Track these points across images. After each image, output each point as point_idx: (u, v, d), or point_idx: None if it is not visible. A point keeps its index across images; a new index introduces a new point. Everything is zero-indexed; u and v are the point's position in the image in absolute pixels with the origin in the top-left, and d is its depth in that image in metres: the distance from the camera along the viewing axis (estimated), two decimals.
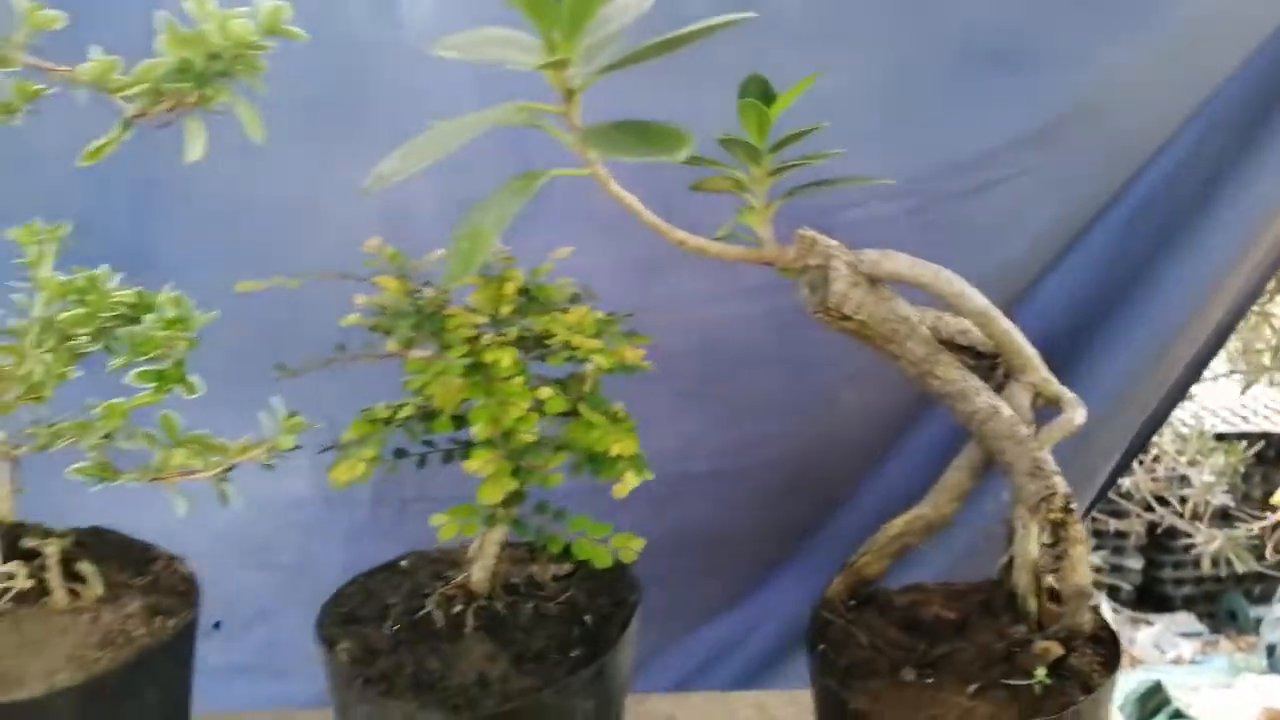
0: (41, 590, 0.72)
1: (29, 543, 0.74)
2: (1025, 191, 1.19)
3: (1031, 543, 0.80)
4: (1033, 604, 0.79)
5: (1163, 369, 1.37)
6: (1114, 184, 1.24)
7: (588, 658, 0.75)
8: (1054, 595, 0.79)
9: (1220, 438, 3.18)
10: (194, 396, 0.67)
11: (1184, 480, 3.07)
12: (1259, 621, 3.47)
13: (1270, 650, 3.20)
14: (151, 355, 0.66)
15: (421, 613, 0.78)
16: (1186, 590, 4.02)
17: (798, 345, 1.28)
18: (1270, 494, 3.20)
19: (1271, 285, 2.20)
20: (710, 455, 1.30)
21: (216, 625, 0.77)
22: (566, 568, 0.84)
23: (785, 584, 1.43)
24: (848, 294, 0.79)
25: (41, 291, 0.71)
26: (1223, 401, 3.74)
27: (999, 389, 0.83)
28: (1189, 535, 3.10)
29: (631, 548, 0.75)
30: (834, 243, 0.81)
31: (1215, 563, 3.03)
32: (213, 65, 0.65)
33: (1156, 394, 1.42)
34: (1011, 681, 0.74)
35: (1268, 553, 3.21)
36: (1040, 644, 0.75)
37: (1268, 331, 2.77)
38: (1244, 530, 3.06)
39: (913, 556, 0.87)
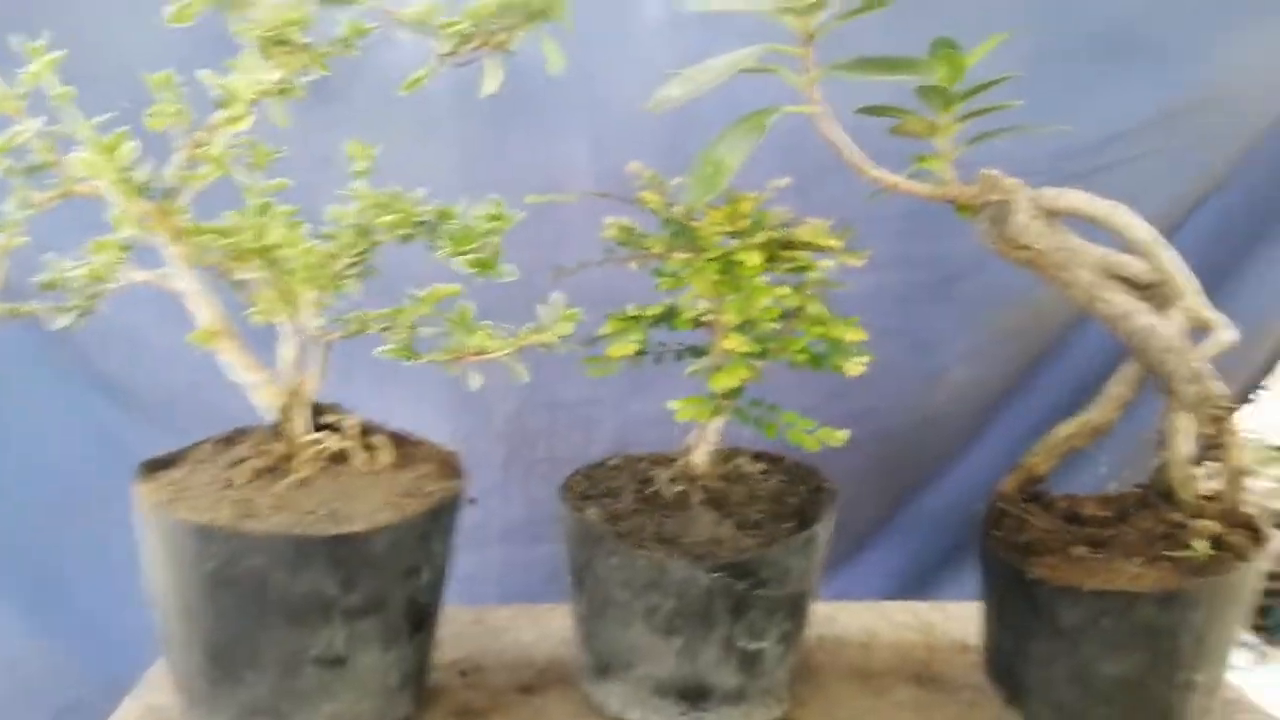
0: (344, 456, 0.86)
1: (328, 419, 0.88)
2: (1148, 172, 1.28)
3: (1183, 443, 0.91)
4: (1188, 494, 0.90)
5: (1251, 355, 1.43)
6: (1230, 164, 1.33)
7: (800, 526, 0.87)
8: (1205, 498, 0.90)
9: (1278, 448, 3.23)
10: (511, 279, 0.80)
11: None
12: None
13: None
14: (472, 247, 0.79)
15: (651, 489, 0.90)
16: None
17: (917, 320, 1.39)
18: None
19: None
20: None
21: (472, 500, 0.89)
22: (763, 466, 0.97)
23: (873, 561, 1.52)
24: (1028, 225, 0.90)
25: (358, 201, 0.85)
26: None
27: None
28: None
29: (838, 436, 0.87)
30: (1013, 180, 0.92)
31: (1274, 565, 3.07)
32: (531, 6, 0.78)
33: (1243, 376, 1.48)
34: (1174, 554, 0.85)
35: None
36: (1200, 522, 0.86)
37: None
38: None
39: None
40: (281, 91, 0.82)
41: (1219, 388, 0.86)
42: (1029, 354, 1.46)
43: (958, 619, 1.10)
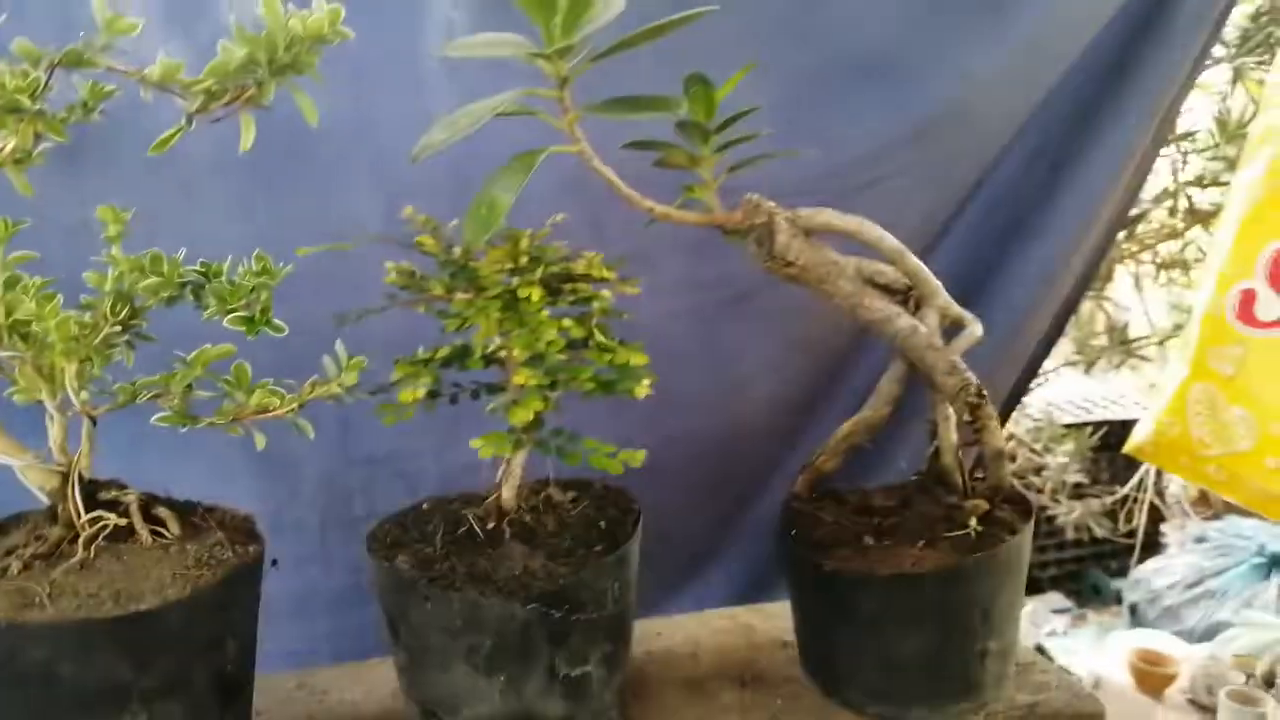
0: (128, 532, 0.81)
1: (105, 495, 0.83)
2: (905, 187, 1.38)
3: (952, 430, 0.99)
4: (958, 477, 0.98)
5: (1016, 348, 1.58)
6: (979, 173, 1.45)
7: (611, 548, 0.89)
8: (972, 472, 0.99)
9: (1068, 427, 3.53)
10: (281, 335, 0.78)
11: (1039, 470, 3.39)
12: (1119, 592, 3.83)
13: (1132, 609, 3.55)
14: (239, 303, 0.77)
15: (462, 529, 0.90)
16: (1052, 572, 4.37)
17: (715, 339, 1.45)
18: (1116, 476, 3.56)
19: (1103, 272, 2.53)
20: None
21: (274, 563, 0.86)
22: (571, 494, 0.98)
23: (711, 575, 1.56)
24: (789, 244, 0.96)
25: (115, 267, 0.82)
26: (1067, 395, 4.13)
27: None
28: (1050, 520, 3.43)
29: (636, 457, 0.89)
30: (773, 204, 0.99)
31: (1077, 530, 3.36)
32: (276, 61, 0.77)
33: (1015, 368, 1.63)
34: (951, 534, 0.92)
35: (1120, 523, 3.59)
36: (971, 503, 0.94)
37: (1102, 318, 3.13)
38: (1099, 502, 3.40)
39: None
40: (17, 161, 0.78)
41: (972, 378, 0.94)
42: (826, 362, 1.52)
43: (775, 617, 1.15)
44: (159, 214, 1.04)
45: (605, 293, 0.88)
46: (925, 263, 1.48)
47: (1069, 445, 3.36)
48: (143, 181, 1.06)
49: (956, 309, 1.03)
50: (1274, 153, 1.45)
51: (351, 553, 1.28)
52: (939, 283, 1.03)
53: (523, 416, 0.86)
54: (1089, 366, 3.15)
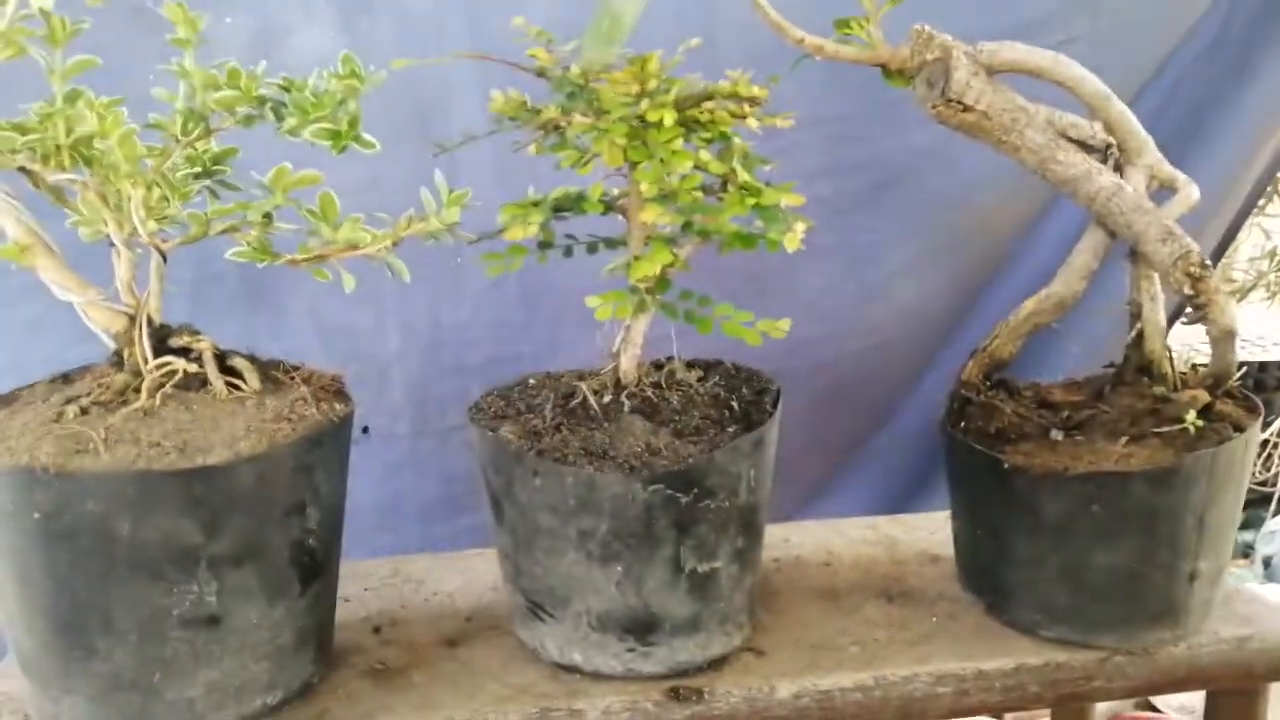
0: (201, 382, 0.71)
1: (177, 341, 0.73)
2: (1090, 54, 1.21)
3: (1160, 312, 0.82)
4: (1168, 366, 0.81)
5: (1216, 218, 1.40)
6: (1161, 49, 1.29)
7: (746, 430, 0.75)
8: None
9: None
10: (372, 152, 0.66)
11: None
12: (1248, 545, 3.57)
13: (1266, 562, 3.29)
14: (325, 114, 0.65)
15: (575, 401, 0.78)
16: None
17: (850, 234, 1.29)
18: None
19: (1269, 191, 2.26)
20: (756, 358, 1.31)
21: (365, 430, 0.76)
22: (698, 372, 0.85)
23: (846, 490, 1.43)
24: (969, 83, 0.80)
25: (186, 79, 0.70)
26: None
27: None
28: None
29: (780, 327, 0.76)
30: (948, 37, 0.82)
31: None
32: None
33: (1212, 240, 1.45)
34: (1162, 430, 0.76)
35: (1257, 470, 3.31)
36: (1189, 393, 0.77)
37: (1256, 243, 2.84)
38: None
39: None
40: None
41: (1194, 245, 0.77)
42: (973, 269, 1.38)
43: (921, 530, 1.02)
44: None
45: (751, 121, 0.73)
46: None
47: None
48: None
49: (1168, 168, 0.85)
50: None
51: (444, 462, 1.22)
52: (1147, 137, 0.85)
53: (648, 269, 0.72)
54: (1244, 293, 2.87)
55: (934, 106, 0.82)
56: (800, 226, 0.70)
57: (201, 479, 0.63)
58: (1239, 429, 0.75)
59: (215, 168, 0.75)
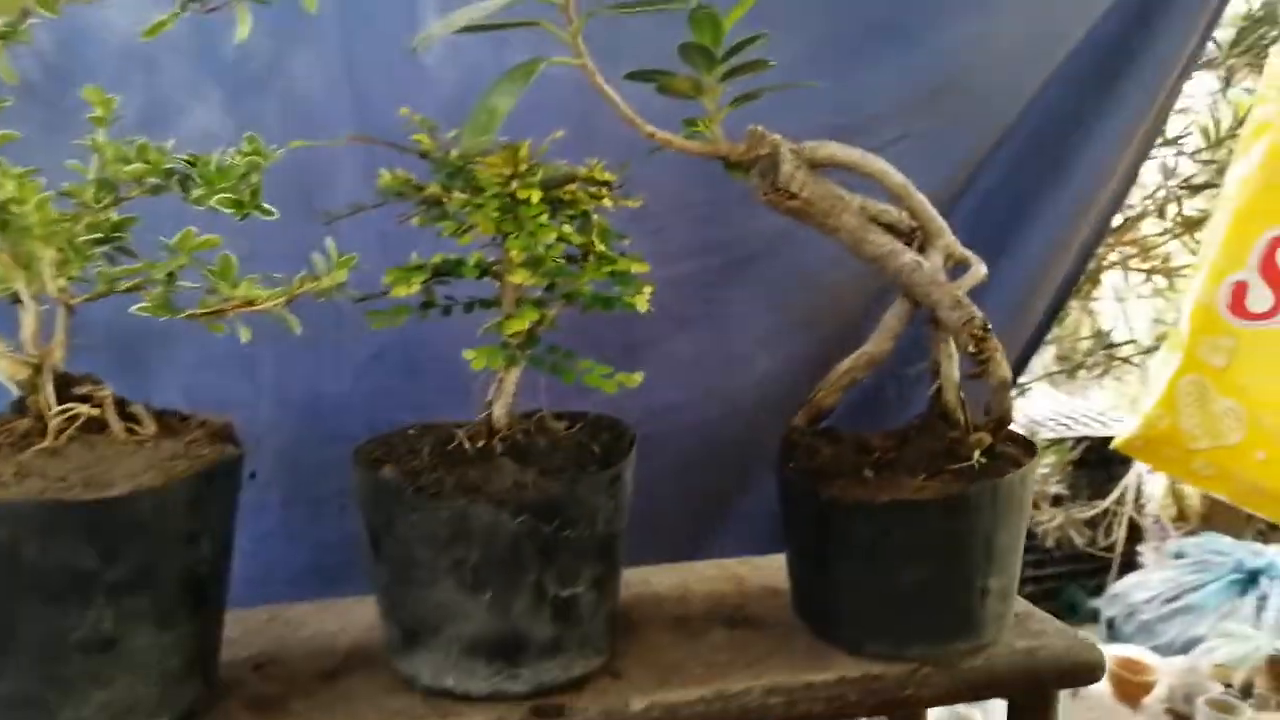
0: (101, 426, 0.78)
1: (79, 390, 0.79)
2: (916, 151, 1.32)
3: (955, 367, 0.97)
4: (960, 414, 0.95)
5: (1021, 320, 1.57)
6: (987, 145, 1.45)
7: (605, 467, 0.86)
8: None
9: (1049, 442, 3.53)
10: (271, 219, 0.75)
11: None
12: (1096, 611, 3.82)
13: (1109, 624, 3.54)
14: (230, 186, 0.74)
15: (452, 444, 0.87)
16: (1030, 589, 4.35)
17: (714, 307, 1.42)
18: (1096, 492, 3.56)
19: (1090, 278, 2.53)
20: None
21: (252, 475, 0.83)
22: (565, 421, 0.95)
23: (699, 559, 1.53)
24: (794, 175, 0.94)
25: (100, 152, 0.78)
26: (1048, 411, 4.14)
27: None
28: (1030, 536, 3.43)
29: (634, 379, 0.87)
30: (777, 136, 0.96)
31: (1057, 542, 3.35)
32: None
33: (1019, 340, 1.62)
34: (954, 466, 0.90)
35: (1099, 537, 3.59)
36: (975, 435, 0.91)
37: (1088, 324, 3.14)
38: (1079, 513, 3.39)
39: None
40: (3, 36, 0.75)
41: (977, 311, 0.92)
42: (826, 340, 1.48)
43: (765, 569, 1.13)
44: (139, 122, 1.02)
45: (606, 201, 0.86)
46: None
47: (1050, 458, 3.36)
48: (125, 84, 1.03)
49: (961, 249, 1.01)
50: (1267, 146, 1.46)
51: (317, 531, 1.23)
52: (944, 222, 1.01)
53: (518, 326, 0.83)
54: (1073, 371, 3.15)
55: (765, 194, 0.96)
56: (648, 290, 0.82)
57: (103, 510, 0.69)
58: (1017, 465, 0.89)
59: (114, 235, 0.83)
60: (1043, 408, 4.04)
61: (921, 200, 1.00)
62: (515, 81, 0.81)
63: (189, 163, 0.79)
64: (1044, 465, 3.35)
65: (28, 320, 0.79)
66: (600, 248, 0.84)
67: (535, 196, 0.80)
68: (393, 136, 0.90)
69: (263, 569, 1.22)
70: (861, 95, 1.34)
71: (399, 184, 0.86)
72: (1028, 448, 0.93)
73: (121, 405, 0.80)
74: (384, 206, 0.84)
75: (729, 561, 1.16)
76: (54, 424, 0.75)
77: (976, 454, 0.90)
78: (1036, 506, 3.41)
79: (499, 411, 0.88)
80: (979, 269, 1.00)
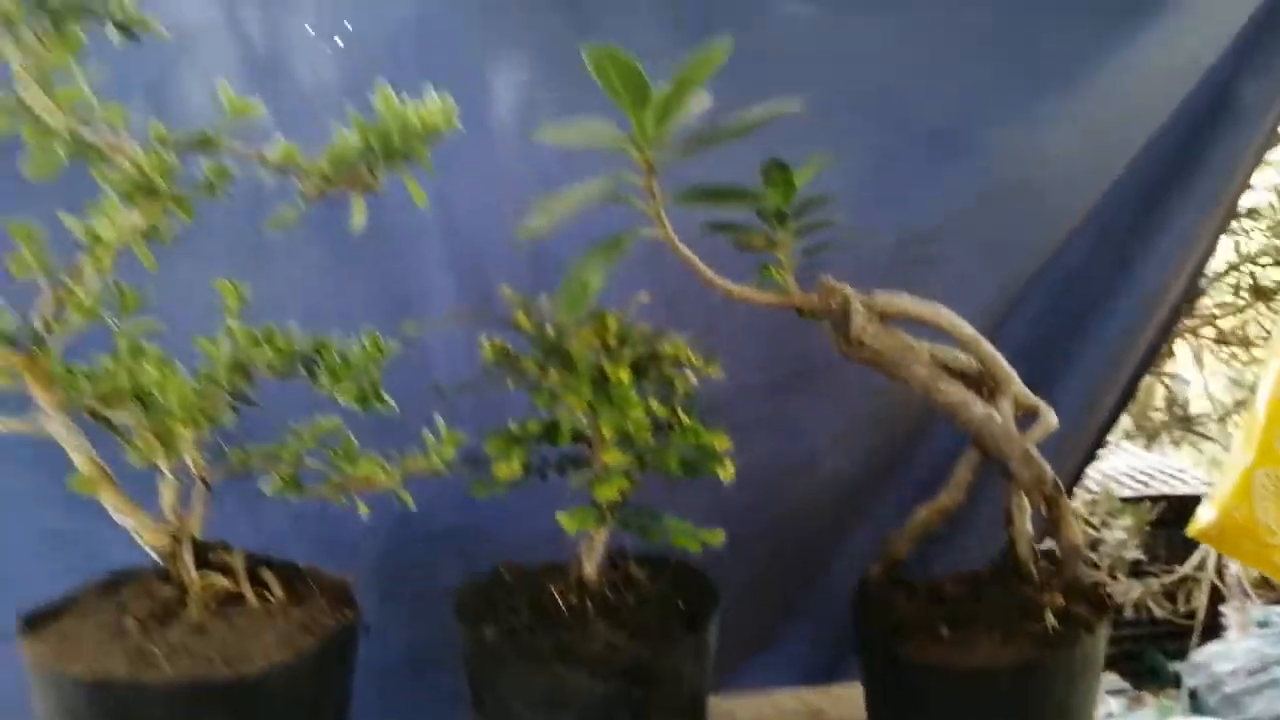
0: (237, 595, 0.85)
1: (214, 556, 0.87)
2: (974, 261, 1.40)
3: (1027, 520, 1.00)
4: (1033, 569, 0.98)
5: (1081, 426, 1.57)
6: (1048, 251, 1.47)
7: (690, 629, 0.91)
8: (1051, 562, 0.99)
9: (1126, 501, 3.47)
10: (391, 414, 0.82)
11: (1095, 545, 3.33)
12: (1178, 675, 3.73)
13: (1192, 695, 3.45)
14: (351, 380, 0.81)
15: (546, 601, 0.93)
16: (1109, 651, 4.24)
17: (784, 413, 1.46)
18: (1175, 554, 3.48)
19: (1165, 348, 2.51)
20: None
21: (367, 629, 0.90)
22: (648, 570, 1.00)
23: (779, 652, 1.54)
24: (865, 328, 0.99)
25: (232, 339, 0.87)
26: (1125, 467, 4.06)
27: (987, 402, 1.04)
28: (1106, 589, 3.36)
29: (715, 537, 0.92)
30: (849, 288, 1.01)
31: (1135, 610, 3.28)
32: (390, 150, 0.82)
33: (1079, 447, 1.62)
34: (1028, 628, 0.93)
35: (1179, 603, 3.50)
36: (1048, 596, 0.94)
37: (1161, 392, 3.10)
38: (1157, 581, 3.32)
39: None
40: (146, 235, 0.83)
41: (1049, 470, 0.96)
42: (895, 439, 1.53)
43: (844, 701, 1.16)
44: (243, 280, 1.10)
45: (689, 375, 0.91)
46: (994, 338, 1.52)
47: (1127, 520, 3.30)
48: (221, 254, 1.12)
49: (1030, 397, 1.04)
50: None
51: (409, 627, 1.25)
52: (1012, 370, 1.04)
53: (609, 494, 0.89)
54: (1149, 442, 3.11)
55: (838, 345, 1.01)
56: (730, 466, 0.88)
57: (241, 687, 0.76)
58: (1089, 628, 0.92)
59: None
60: (1119, 463, 3.98)
61: (990, 350, 1.03)
62: (606, 255, 0.88)
63: (314, 350, 0.86)
64: (1121, 529, 3.31)
65: (167, 493, 0.87)
66: (685, 420, 0.89)
67: (625, 376, 0.87)
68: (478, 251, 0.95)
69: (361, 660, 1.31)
70: (923, 204, 1.37)
71: (499, 355, 0.92)
72: (1100, 606, 0.95)
73: (252, 570, 0.87)
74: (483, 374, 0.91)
75: (808, 692, 1.19)
76: (195, 597, 0.82)
77: (1049, 617, 0.92)
78: (1113, 575, 3.36)
79: (590, 569, 0.94)
80: (1049, 419, 1.03)
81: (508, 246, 1.29)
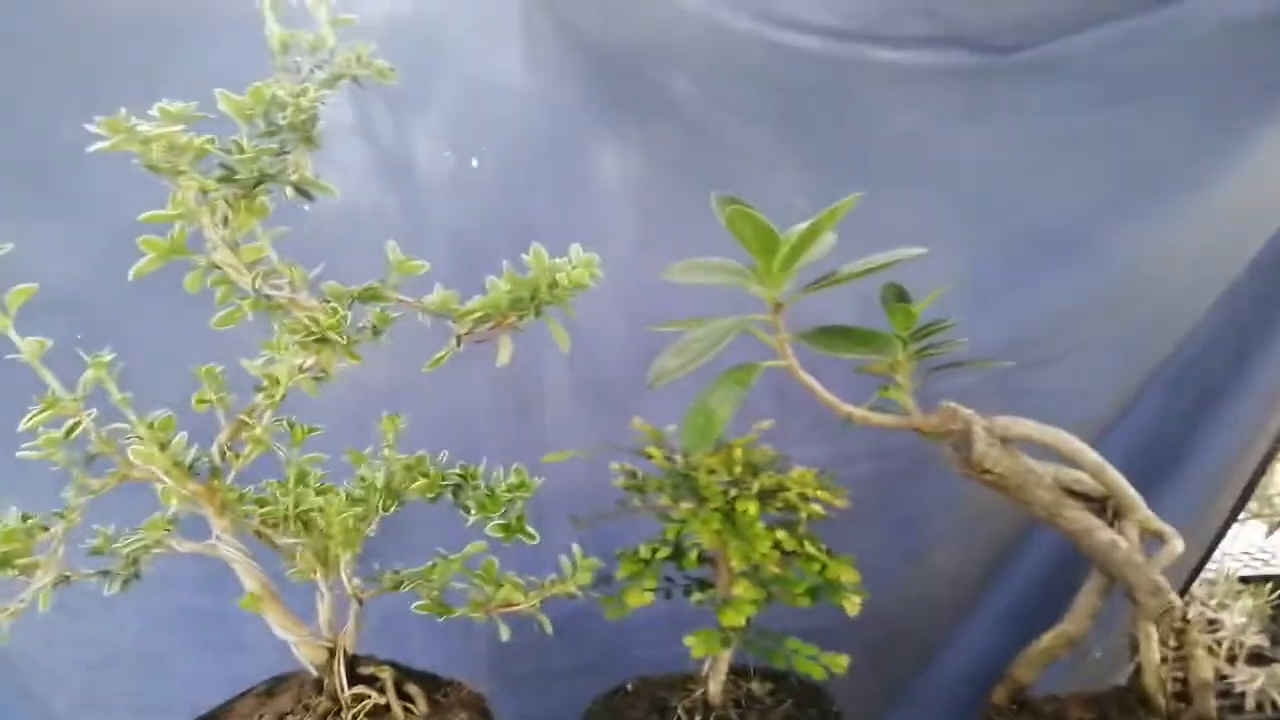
0: (384, 707, 0.91)
1: (364, 670, 0.93)
2: (1096, 357, 1.40)
3: (1154, 649, 0.99)
4: (1161, 700, 0.97)
5: (1207, 516, 1.53)
6: (1169, 347, 1.45)
7: None
8: (1178, 694, 0.98)
9: (1245, 580, 3.30)
10: (533, 543, 0.88)
11: (1213, 624, 3.18)
12: None
13: None
14: (499, 512, 0.87)
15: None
16: None
17: (895, 506, 1.46)
18: None
19: None
20: (805, 614, 1.47)
21: None
22: (769, 686, 1.03)
23: None
24: (987, 453, 1.00)
25: (388, 465, 0.93)
26: (1244, 546, 3.87)
27: (1111, 526, 1.04)
28: (1228, 691, 3.20)
29: (840, 663, 0.94)
30: (970, 411, 1.03)
31: (1260, 706, 3.11)
32: (539, 299, 0.89)
33: (1204, 537, 1.59)
34: None
35: None
36: None
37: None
38: None
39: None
40: (315, 379, 0.91)
41: (1177, 600, 0.95)
42: (1008, 533, 1.52)
43: None
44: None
45: (816, 507, 0.94)
46: (1115, 431, 1.51)
47: (1246, 602, 3.14)
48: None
49: (1156, 522, 1.04)
50: None
51: (512, 704, 1.29)
52: (1138, 496, 1.04)
53: (735, 620, 0.92)
54: (1271, 529, 2.97)
55: (959, 468, 1.02)
56: (856, 599, 0.90)
57: None
58: None
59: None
60: (1235, 541, 3.80)
61: (1116, 477, 1.03)
62: (733, 386, 0.92)
63: (461, 477, 0.93)
64: (1240, 612, 3.16)
65: (324, 609, 0.93)
66: (810, 549, 0.92)
67: (753, 509, 0.90)
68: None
69: None
70: (1041, 307, 1.38)
71: (631, 482, 0.97)
72: None
73: (398, 684, 0.93)
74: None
75: None
76: (348, 710, 0.88)
77: None
78: (1231, 661, 3.20)
79: (714, 689, 0.97)
80: (1175, 545, 1.02)
81: (618, 348, 1.36)
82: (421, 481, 0.92)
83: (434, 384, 1.25)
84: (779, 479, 0.94)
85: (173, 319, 1.16)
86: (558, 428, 1.39)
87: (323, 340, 0.86)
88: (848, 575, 0.92)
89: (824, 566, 0.91)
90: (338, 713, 0.89)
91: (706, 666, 0.98)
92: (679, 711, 0.96)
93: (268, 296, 0.85)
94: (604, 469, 1.23)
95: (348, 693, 0.90)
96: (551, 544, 0.92)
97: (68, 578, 0.90)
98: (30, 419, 0.80)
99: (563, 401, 1.41)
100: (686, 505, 0.92)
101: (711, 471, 0.95)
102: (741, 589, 0.89)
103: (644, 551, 0.96)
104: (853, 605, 0.90)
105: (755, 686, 1.01)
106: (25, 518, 0.81)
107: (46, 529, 0.82)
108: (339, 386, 0.90)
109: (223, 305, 0.86)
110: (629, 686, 1.06)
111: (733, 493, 0.92)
